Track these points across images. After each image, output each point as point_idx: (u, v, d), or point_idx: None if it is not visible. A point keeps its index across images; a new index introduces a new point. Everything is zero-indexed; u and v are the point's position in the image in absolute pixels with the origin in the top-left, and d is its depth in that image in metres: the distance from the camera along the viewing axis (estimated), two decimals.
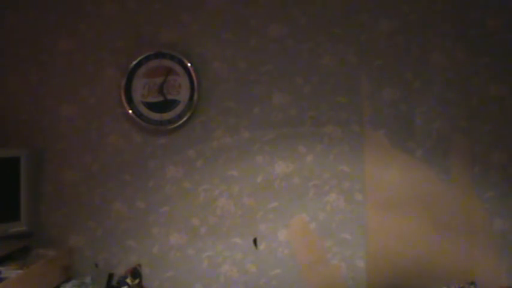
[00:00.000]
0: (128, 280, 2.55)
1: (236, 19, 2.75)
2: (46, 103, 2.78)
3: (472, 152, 2.67)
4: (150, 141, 2.76)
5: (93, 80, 2.77)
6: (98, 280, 2.68)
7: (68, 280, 2.60)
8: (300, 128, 2.73)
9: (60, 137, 2.77)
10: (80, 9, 2.78)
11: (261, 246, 2.74)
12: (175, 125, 2.72)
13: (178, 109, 2.72)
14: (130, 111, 2.72)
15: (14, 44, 2.78)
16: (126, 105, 2.72)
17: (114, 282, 2.64)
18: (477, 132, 2.67)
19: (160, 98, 2.73)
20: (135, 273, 2.61)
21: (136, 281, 2.59)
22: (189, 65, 2.70)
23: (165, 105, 2.72)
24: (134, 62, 2.71)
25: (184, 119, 2.72)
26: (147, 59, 2.72)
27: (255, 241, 2.74)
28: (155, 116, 2.72)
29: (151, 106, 2.72)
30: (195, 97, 2.71)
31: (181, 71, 2.72)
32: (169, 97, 2.72)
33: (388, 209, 2.69)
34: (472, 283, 2.55)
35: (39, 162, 2.75)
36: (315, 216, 2.72)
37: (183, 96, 2.72)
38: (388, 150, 2.70)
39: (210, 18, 2.75)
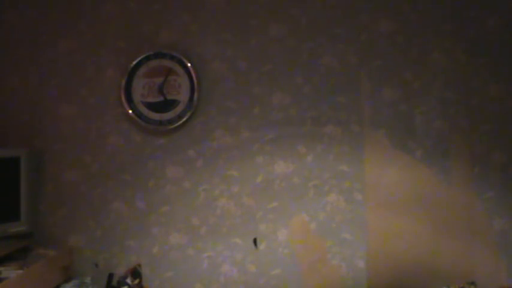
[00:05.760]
0: (128, 280, 2.55)
1: (236, 19, 2.75)
2: (46, 103, 2.78)
3: (472, 152, 2.67)
4: (150, 141, 2.76)
5: (93, 80, 2.77)
6: (98, 280, 2.68)
7: (68, 280, 2.60)
8: (300, 128, 2.73)
9: (60, 137, 2.77)
10: (80, 9, 2.78)
11: (261, 246, 2.74)
12: (175, 125, 2.72)
13: (178, 109, 2.72)
14: (130, 111, 2.72)
15: (14, 44, 2.79)
16: (126, 105, 2.72)
17: (114, 282, 2.64)
18: (477, 132, 2.67)
19: (160, 98, 2.72)
20: (135, 273, 2.61)
21: (137, 281, 2.59)
22: (189, 65, 2.70)
23: (165, 105, 2.72)
24: (134, 62, 2.72)
25: (184, 119, 2.72)
26: (147, 59, 2.72)
27: (255, 241, 2.74)
28: (155, 116, 2.72)
29: (151, 106, 2.72)
30: (195, 97, 2.71)
31: (181, 71, 2.72)
32: (169, 97, 2.72)
33: (388, 209, 2.69)
34: (472, 283, 2.55)
35: (39, 162, 2.75)
36: (315, 216, 2.72)
37: (183, 96, 2.72)
38: (388, 150, 2.70)
39: (210, 18, 2.75)
